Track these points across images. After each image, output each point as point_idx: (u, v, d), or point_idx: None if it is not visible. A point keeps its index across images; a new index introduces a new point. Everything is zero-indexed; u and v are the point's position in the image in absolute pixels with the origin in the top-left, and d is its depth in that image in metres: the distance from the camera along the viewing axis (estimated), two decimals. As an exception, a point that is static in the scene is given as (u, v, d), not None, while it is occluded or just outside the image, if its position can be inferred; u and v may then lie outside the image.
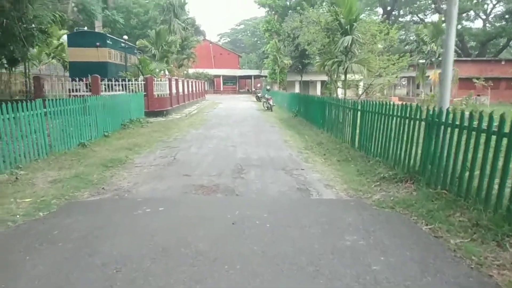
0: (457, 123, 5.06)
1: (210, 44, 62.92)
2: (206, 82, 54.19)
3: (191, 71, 46.07)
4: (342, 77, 16.44)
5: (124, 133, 13.16)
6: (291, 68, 46.34)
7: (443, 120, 5.41)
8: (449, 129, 5.25)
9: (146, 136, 12.67)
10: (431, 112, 5.78)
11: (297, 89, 51.13)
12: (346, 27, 13.57)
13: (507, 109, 12.49)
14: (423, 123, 6.07)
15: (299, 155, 9.34)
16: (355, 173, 7.25)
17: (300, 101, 18.36)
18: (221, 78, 59.65)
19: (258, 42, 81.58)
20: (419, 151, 6.10)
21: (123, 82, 18.78)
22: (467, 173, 4.80)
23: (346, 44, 13.32)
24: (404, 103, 7.14)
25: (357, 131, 9.23)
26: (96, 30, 34.34)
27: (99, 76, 17.69)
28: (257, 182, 6.66)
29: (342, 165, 8.05)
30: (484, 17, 54.26)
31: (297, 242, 3.97)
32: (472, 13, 52.62)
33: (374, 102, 8.33)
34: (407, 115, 6.50)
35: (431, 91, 42.63)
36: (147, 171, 7.69)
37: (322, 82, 51.39)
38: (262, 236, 4.12)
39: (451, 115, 5.24)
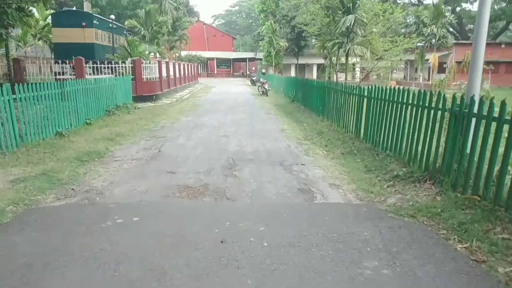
0: (495, 115, 4.17)
1: (204, 26, 61.20)
2: (199, 65, 52.77)
3: (183, 53, 44.64)
4: (342, 60, 15.48)
5: (108, 121, 12.17)
6: (287, 50, 45.08)
7: (475, 112, 4.51)
8: (483, 123, 4.35)
9: (131, 124, 11.70)
10: (458, 101, 4.87)
11: (292, 73, 50.01)
12: (349, 5, 12.54)
13: (509, 93, 11.70)
14: (446, 113, 5.18)
15: (298, 146, 8.44)
16: (363, 169, 6.37)
17: (297, 85, 17.37)
18: (214, 61, 58.20)
19: (253, 24, 79.85)
20: (441, 147, 5.22)
21: (109, 65, 17.60)
22: (509, 178, 3.94)
23: (348, 24, 12.32)
24: (417, 88, 6.25)
25: (363, 120, 8.34)
26: (85, 10, 32.73)
27: (83, 59, 16.51)
28: (252, 182, 5.76)
29: (347, 159, 7.16)
30: (484, -2, 52.87)
31: (303, 271, 3.10)
32: (471, -6, 51.39)
33: (383, 88, 7.41)
34: (426, 104, 5.59)
35: (429, 75, 41.79)
36: (127, 166, 6.76)
37: (319, 65, 50.28)
38: (259, 262, 3.24)
39: (486, 106, 4.35)
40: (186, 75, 30.59)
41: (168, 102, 18.81)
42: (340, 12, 13.44)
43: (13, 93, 7.95)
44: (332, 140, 8.89)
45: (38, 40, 30.39)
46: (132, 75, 17.73)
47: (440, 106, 5.24)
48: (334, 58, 15.11)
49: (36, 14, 29.51)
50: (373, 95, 7.66)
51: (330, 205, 4.92)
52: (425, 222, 4.17)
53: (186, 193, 5.23)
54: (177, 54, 40.16)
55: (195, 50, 53.05)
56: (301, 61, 49.55)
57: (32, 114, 8.55)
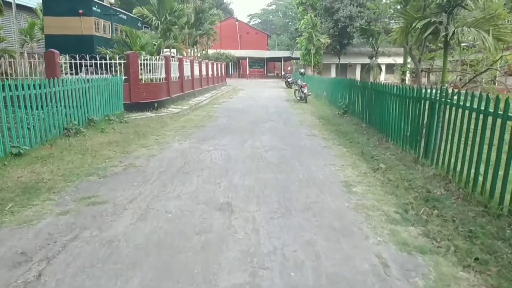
0: None
1: (236, 22, 56.54)
2: (229, 65, 48.14)
3: (211, 51, 40.04)
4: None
5: (57, 148, 7.62)
6: (327, 49, 39.50)
7: None
8: None
9: (86, 155, 6.99)
10: None
11: (333, 73, 44.48)
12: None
13: None
14: None
15: (409, 267, 3.20)
16: None
17: (353, 90, 12.06)
18: (247, 60, 53.16)
19: (290, 23, 75.18)
20: None
21: (94, 61, 12.95)
22: None
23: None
24: None
25: None
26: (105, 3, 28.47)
27: (56, 52, 11.99)
28: None
29: None
30: None
31: None
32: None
33: None
34: None
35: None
36: None
37: (363, 65, 44.43)
38: None
39: None
40: (210, 75, 25.83)
41: (176, 111, 14.03)
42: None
43: None
44: (482, 237, 3.59)
45: (48, 34, 26.65)
46: (124, 75, 13.09)
47: None
48: (417, 51, 9.74)
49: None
50: None
51: None
52: None
53: None
54: (203, 52, 35.54)
55: (227, 48, 48.43)
56: (343, 60, 43.87)
57: None
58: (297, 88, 20.17)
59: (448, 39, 8.06)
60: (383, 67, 43.11)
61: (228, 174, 5.69)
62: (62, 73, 12.45)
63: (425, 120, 6.28)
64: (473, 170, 4.70)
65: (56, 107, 8.61)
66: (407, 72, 13.29)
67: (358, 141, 8.46)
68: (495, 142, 4.38)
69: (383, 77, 42.18)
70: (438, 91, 5.97)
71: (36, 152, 7.14)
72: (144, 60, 13.83)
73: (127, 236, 3.66)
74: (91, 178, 5.68)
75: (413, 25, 7.85)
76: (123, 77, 12.86)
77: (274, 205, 4.41)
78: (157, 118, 12.23)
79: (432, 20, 7.86)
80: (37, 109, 7.90)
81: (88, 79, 10.30)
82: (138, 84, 13.37)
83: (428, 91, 6.41)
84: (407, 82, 41.32)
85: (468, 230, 3.78)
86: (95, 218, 4.13)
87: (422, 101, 6.37)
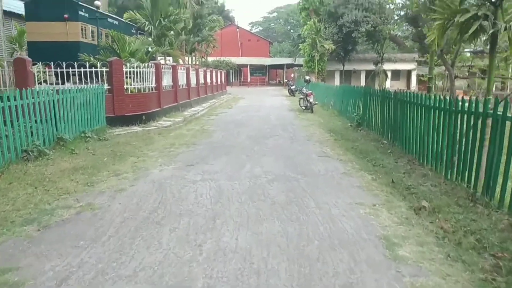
0: None
1: (237, 29, 55.18)
2: (230, 73, 46.69)
3: (210, 59, 38.54)
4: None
5: (9, 177, 6.30)
6: (331, 55, 37.97)
7: None
8: None
9: (36, 191, 5.45)
10: None
11: (337, 80, 42.99)
12: None
13: None
14: None
15: None
16: None
17: (369, 100, 10.43)
18: (248, 67, 51.68)
19: (292, 30, 74.21)
20: None
21: (71, 70, 11.34)
22: None
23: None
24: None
25: None
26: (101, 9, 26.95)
27: (28, 59, 10.42)
28: None
29: None
30: None
31: None
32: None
33: None
34: None
35: None
36: None
37: (368, 72, 42.90)
38: None
39: None
40: (208, 84, 24.30)
41: (167, 125, 12.42)
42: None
43: None
44: None
45: (38, 42, 25.21)
46: (109, 85, 11.52)
47: None
48: (448, 54, 8.14)
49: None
50: None
51: None
52: None
53: None
54: (202, 59, 34.05)
55: (228, 56, 47.03)
56: (347, 67, 42.43)
57: None
58: (301, 96, 18.56)
59: (492, 35, 6.45)
60: (389, 74, 41.57)
61: (216, 225, 4.02)
62: (36, 84, 10.88)
63: (484, 144, 4.63)
64: None
65: (12, 125, 7.04)
66: (433, 78, 11.69)
67: (383, 164, 6.79)
68: None
69: (388, 84, 40.64)
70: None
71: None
72: (130, 67, 12.25)
73: None
74: (25, 231, 4.05)
75: (455, 20, 6.23)
76: (106, 87, 11.29)
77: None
78: (143, 134, 10.63)
79: (479, 14, 6.24)
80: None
81: (57, 90, 8.72)
82: (123, 94, 11.77)
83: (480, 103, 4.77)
84: (412, 88, 39.45)
85: None
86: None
87: (481, 117, 4.70)
